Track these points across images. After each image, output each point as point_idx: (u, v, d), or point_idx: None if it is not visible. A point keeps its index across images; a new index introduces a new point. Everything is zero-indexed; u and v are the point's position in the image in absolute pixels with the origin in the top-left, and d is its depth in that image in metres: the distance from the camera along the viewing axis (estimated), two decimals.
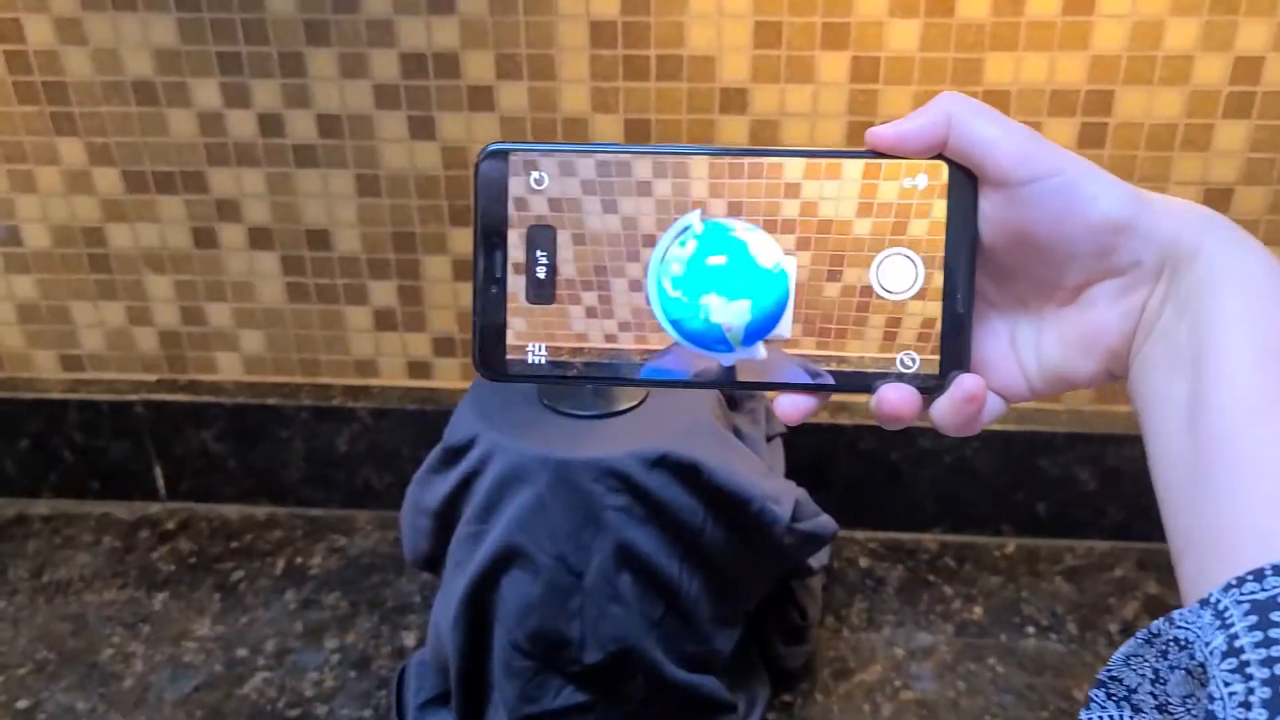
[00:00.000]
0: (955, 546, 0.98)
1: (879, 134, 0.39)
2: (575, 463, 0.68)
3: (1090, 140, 0.87)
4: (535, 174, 0.42)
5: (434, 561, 0.80)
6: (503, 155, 0.42)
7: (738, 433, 0.81)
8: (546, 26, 0.87)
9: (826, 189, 0.40)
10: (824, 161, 0.41)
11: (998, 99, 0.86)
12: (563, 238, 0.42)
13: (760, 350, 0.42)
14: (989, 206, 0.39)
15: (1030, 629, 0.89)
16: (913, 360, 0.41)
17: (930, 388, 0.41)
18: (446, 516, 0.76)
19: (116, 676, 0.85)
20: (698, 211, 0.41)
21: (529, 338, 0.42)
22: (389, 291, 0.99)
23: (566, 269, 0.42)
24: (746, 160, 0.41)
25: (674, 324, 0.41)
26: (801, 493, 0.74)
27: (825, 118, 0.88)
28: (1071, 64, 0.85)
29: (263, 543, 1.01)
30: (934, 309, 0.41)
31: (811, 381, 0.42)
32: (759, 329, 0.41)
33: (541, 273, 0.42)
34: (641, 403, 0.73)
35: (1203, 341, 0.35)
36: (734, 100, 0.88)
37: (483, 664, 0.74)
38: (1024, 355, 0.41)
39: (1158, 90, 0.85)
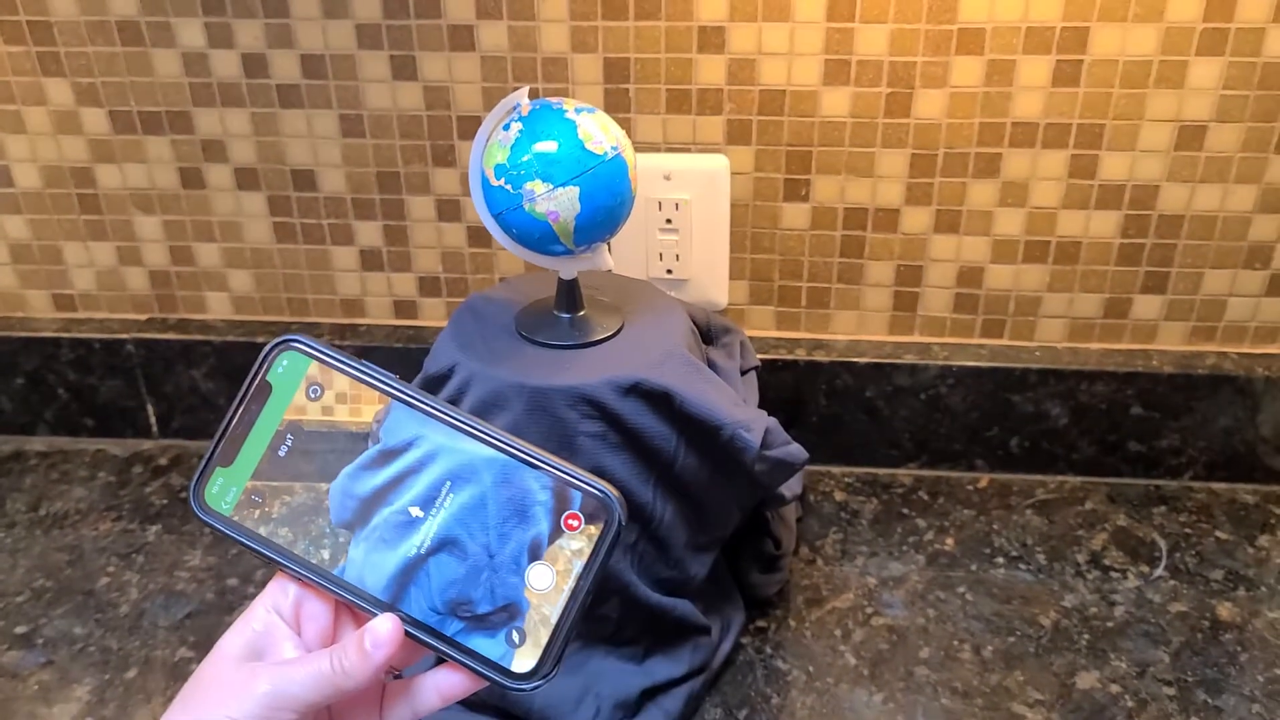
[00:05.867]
0: (929, 480, 1.00)
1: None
2: (550, 390, 0.70)
3: (1065, 78, 0.88)
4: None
5: None
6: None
7: (712, 365, 0.83)
8: None
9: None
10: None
11: (973, 37, 0.86)
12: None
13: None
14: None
15: (1000, 559, 0.91)
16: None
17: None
18: None
19: (112, 604, 0.88)
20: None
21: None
22: (374, 231, 1.00)
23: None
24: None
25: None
26: (772, 421, 0.76)
27: (802, 56, 0.89)
28: (1046, 1, 0.85)
29: None
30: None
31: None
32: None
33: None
34: (616, 334, 0.75)
35: None
36: (711, 39, 0.89)
37: None
38: None
39: (1132, 27, 0.86)
